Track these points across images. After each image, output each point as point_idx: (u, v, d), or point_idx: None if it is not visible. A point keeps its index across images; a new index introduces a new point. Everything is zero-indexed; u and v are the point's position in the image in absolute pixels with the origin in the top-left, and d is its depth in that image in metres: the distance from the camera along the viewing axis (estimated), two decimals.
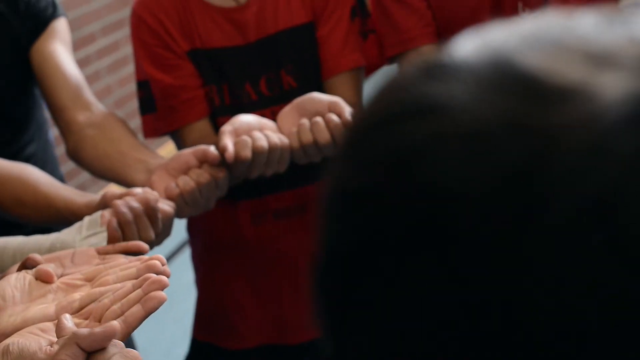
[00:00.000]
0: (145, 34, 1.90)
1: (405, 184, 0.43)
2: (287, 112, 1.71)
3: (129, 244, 1.35)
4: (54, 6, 1.95)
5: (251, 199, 1.98)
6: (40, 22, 1.92)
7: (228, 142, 1.62)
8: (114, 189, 1.64)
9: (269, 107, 1.91)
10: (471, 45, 0.48)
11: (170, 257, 3.90)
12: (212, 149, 1.64)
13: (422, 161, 0.42)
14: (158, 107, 1.93)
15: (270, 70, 1.92)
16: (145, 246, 1.36)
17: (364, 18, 1.97)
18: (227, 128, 1.65)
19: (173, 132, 1.94)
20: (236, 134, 1.64)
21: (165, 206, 1.53)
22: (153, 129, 1.95)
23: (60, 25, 1.95)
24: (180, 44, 1.90)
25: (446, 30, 1.92)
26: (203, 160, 1.63)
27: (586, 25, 0.44)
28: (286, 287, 2.03)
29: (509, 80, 0.42)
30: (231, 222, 2.00)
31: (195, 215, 1.65)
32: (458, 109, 0.42)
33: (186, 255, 3.46)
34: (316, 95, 1.71)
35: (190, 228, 2.10)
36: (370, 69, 2.01)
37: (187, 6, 1.90)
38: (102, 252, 1.31)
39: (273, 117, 1.84)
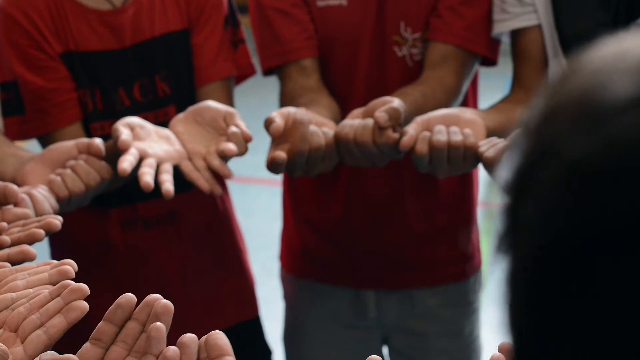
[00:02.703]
0: (16, 33, 1.84)
1: None
2: (182, 119, 1.69)
3: (11, 251, 1.30)
4: None
5: (121, 206, 1.94)
6: None
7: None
8: None
9: (142, 114, 1.88)
10: None
11: None
12: (97, 141, 1.61)
13: None
14: (27, 110, 1.87)
15: (145, 76, 1.90)
16: (32, 253, 1.32)
17: (235, 28, 1.98)
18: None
19: (42, 136, 1.88)
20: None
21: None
22: (19, 132, 1.89)
23: None
24: (53, 46, 1.84)
25: (328, 44, 1.95)
26: (86, 153, 1.61)
27: None
28: None
29: None
30: (100, 229, 1.95)
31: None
32: None
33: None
34: (212, 104, 1.69)
35: (51, 236, 2.03)
36: (239, 79, 2.02)
37: (60, 7, 1.85)
38: None
39: None
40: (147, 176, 1.56)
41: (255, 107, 4.92)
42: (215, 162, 1.62)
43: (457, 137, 1.57)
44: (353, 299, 2.11)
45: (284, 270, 2.21)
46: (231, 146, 1.59)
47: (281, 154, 1.57)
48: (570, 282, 0.46)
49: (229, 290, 2.08)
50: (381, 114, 1.59)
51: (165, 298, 1.95)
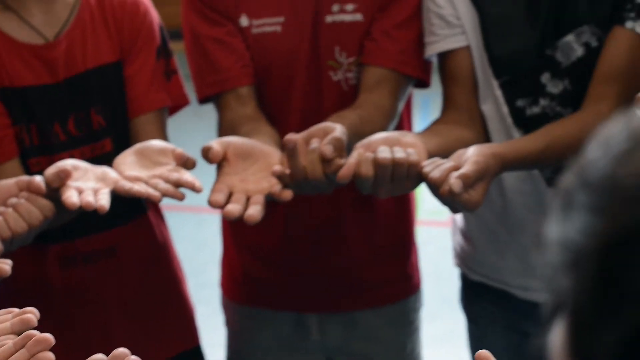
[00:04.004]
0: None
1: None
2: (125, 155, 1.71)
3: None
4: None
5: (60, 243, 1.92)
6: None
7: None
8: None
9: (78, 148, 1.88)
10: None
11: None
12: (37, 178, 1.60)
13: None
14: None
15: (80, 110, 1.89)
16: None
17: (168, 59, 1.98)
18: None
19: None
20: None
21: None
22: None
23: None
24: None
25: (264, 71, 1.97)
26: (26, 190, 1.60)
27: None
28: (96, 333, 1.99)
29: None
30: (38, 266, 1.93)
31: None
32: None
33: None
34: (155, 142, 1.72)
35: None
36: (173, 109, 2.02)
37: None
38: None
39: (83, 157, 1.82)
40: (72, 198, 1.56)
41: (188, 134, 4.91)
42: (173, 177, 1.63)
43: (400, 154, 1.60)
44: (296, 323, 2.12)
45: (225, 297, 2.21)
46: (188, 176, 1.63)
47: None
48: None
49: (169, 321, 2.08)
50: (327, 147, 1.61)
51: (106, 332, 1.96)
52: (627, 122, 0.52)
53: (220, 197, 1.63)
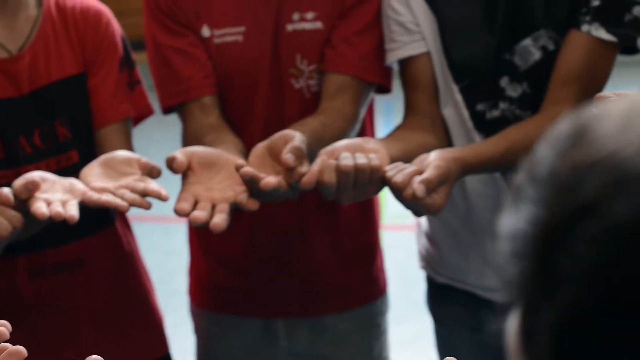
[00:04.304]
0: None
1: None
2: (91, 167, 1.72)
3: None
4: None
5: (29, 254, 1.93)
6: None
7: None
8: None
9: (44, 160, 1.89)
10: None
11: None
12: (5, 190, 1.61)
13: None
14: None
15: (45, 122, 1.90)
16: None
17: (131, 69, 2.00)
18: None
19: None
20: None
21: None
22: None
23: None
24: None
25: (226, 80, 1.98)
26: None
27: None
28: (66, 343, 1.99)
29: None
30: (7, 277, 1.94)
31: None
32: None
33: None
34: (121, 152, 1.74)
35: None
36: (138, 120, 2.04)
37: None
38: None
39: (49, 169, 1.83)
40: (42, 208, 1.57)
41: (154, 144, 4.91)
42: (139, 187, 1.64)
43: (362, 160, 1.62)
44: (263, 329, 2.14)
45: (193, 305, 2.23)
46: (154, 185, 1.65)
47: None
48: (613, 334, 0.50)
49: (138, 330, 2.08)
50: (288, 156, 1.63)
51: (76, 342, 1.96)
52: (573, 119, 0.56)
53: (186, 205, 1.65)
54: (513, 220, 0.55)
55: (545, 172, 0.54)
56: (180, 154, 1.70)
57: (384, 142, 1.76)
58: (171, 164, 1.68)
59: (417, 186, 1.57)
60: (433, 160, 1.63)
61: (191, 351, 2.29)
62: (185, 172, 1.70)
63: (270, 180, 1.61)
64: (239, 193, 1.67)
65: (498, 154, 1.74)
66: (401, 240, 4.76)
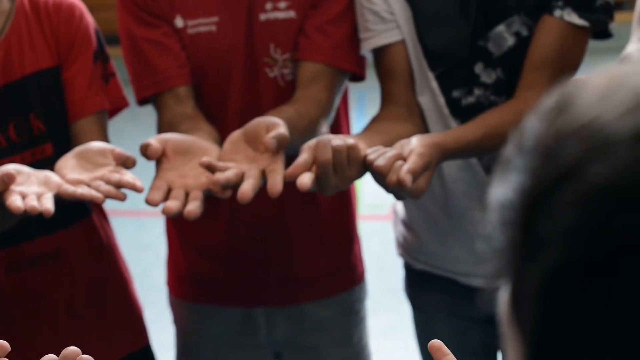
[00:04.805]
0: None
1: None
2: (67, 159, 1.72)
3: None
4: None
5: (5, 248, 1.92)
6: None
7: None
8: None
9: (19, 153, 1.88)
10: None
11: None
12: None
13: None
14: None
15: (19, 116, 1.89)
16: None
17: (105, 62, 1.99)
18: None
19: None
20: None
21: None
22: None
23: None
24: None
25: (201, 70, 1.99)
26: None
27: None
28: (45, 336, 1.99)
29: None
30: None
31: None
32: None
33: None
34: (96, 143, 1.74)
35: None
36: (113, 112, 2.03)
37: None
38: None
39: (24, 162, 1.82)
40: (17, 202, 1.56)
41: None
42: (114, 179, 1.64)
43: (338, 141, 1.62)
44: (243, 318, 2.15)
45: (172, 296, 2.23)
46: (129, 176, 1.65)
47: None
48: (599, 294, 0.52)
49: (118, 322, 2.08)
50: (271, 141, 1.63)
51: (55, 335, 1.96)
52: (559, 92, 0.58)
53: (157, 196, 1.65)
54: (502, 190, 0.57)
55: (532, 142, 0.56)
56: (155, 140, 1.71)
57: (363, 137, 1.77)
58: (145, 150, 1.68)
59: (404, 176, 1.57)
60: (416, 147, 1.64)
61: (169, 345, 2.29)
62: (159, 159, 1.70)
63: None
64: (213, 180, 1.67)
65: (476, 140, 1.75)
66: (377, 230, 4.77)
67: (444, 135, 1.75)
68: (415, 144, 1.65)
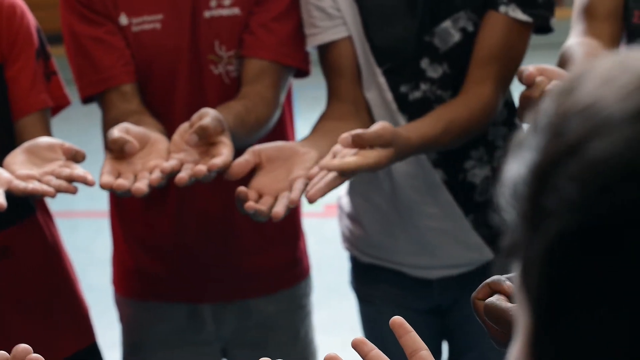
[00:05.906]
0: None
1: None
2: (14, 154, 1.71)
3: None
4: None
5: None
6: None
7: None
8: None
9: None
10: None
11: None
12: None
13: None
14: None
15: None
16: None
17: (47, 60, 1.98)
18: None
19: None
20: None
21: None
22: None
23: None
24: None
25: (146, 68, 1.98)
26: None
27: None
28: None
29: None
30: None
31: None
32: None
33: None
34: (44, 138, 1.76)
35: None
36: (55, 110, 2.02)
37: None
38: None
39: None
40: None
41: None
42: (65, 173, 1.65)
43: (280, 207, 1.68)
44: (190, 315, 2.15)
45: (118, 294, 2.22)
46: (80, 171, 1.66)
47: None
48: (598, 263, 0.55)
49: (65, 320, 2.08)
50: (191, 137, 1.69)
51: (4, 331, 1.94)
52: (569, 76, 0.62)
53: (109, 179, 1.68)
54: (515, 166, 0.61)
55: (544, 122, 0.60)
56: (118, 131, 1.73)
57: (312, 141, 1.79)
58: (124, 145, 1.71)
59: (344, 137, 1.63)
60: (374, 125, 1.67)
61: (112, 343, 2.27)
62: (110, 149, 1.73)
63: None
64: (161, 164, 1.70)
65: (436, 135, 1.77)
66: (314, 227, 4.78)
67: (405, 128, 1.77)
68: (374, 127, 1.67)
